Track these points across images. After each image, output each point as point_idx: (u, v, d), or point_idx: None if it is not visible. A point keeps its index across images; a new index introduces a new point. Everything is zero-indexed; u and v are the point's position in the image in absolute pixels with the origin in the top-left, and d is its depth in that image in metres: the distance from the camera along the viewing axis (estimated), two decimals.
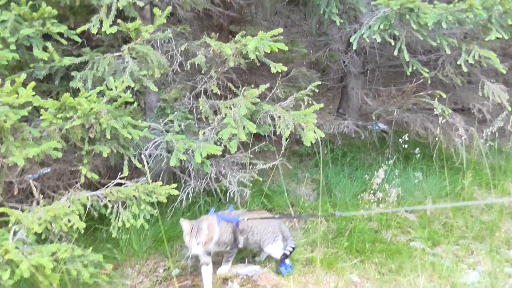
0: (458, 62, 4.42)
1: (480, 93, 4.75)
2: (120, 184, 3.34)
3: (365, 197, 3.95)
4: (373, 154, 5.53)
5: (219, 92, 4.05)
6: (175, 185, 3.20)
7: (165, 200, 3.20)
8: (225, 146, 3.74)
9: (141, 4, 3.41)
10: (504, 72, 4.45)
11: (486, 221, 4.48)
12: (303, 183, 5.08)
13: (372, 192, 3.94)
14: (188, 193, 3.83)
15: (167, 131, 3.71)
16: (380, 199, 3.94)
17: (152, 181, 3.26)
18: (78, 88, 3.40)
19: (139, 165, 3.43)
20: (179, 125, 3.75)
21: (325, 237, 4.13)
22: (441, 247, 4.17)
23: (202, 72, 3.90)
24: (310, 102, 4.13)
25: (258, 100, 3.73)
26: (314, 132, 3.69)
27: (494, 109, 5.10)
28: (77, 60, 3.49)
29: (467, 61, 4.40)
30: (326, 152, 5.33)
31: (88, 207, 3.13)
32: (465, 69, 4.39)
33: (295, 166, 5.37)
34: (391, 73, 6.03)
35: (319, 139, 5.50)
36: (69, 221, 2.86)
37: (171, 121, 3.77)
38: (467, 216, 4.53)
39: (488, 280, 3.60)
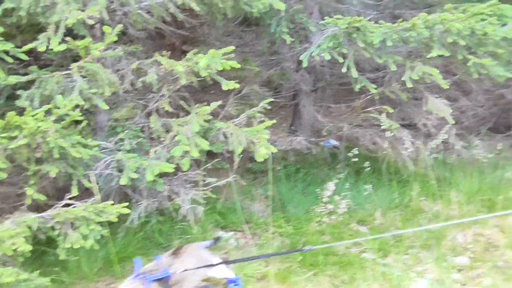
0: (403, 79, 4.61)
1: (424, 108, 4.95)
2: (69, 205, 3.27)
3: (317, 210, 4.01)
4: (325, 169, 5.62)
5: (171, 111, 4.05)
6: (126, 204, 3.17)
7: (116, 220, 3.15)
8: (177, 164, 3.73)
9: (90, 22, 3.40)
10: (446, 87, 4.67)
11: (433, 230, 4.63)
12: (257, 200, 5.11)
13: (323, 204, 4.00)
14: (140, 212, 3.78)
15: (118, 150, 3.67)
16: (331, 211, 4.00)
17: (102, 201, 3.21)
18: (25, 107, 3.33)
19: (88, 185, 3.37)
20: (130, 144, 3.72)
21: (279, 252, 4.16)
22: (391, 257, 4.27)
23: (154, 90, 3.89)
24: (262, 119, 4.19)
25: (211, 117, 3.76)
26: (266, 148, 3.73)
27: (439, 123, 5.32)
28: (24, 79, 3.43)
29: (411, 77, 4.59)
30: (279, 168, 5.39)
31: (35, 229, 3.03)
32: (409, 85, 4.58)
33: (249, 184, 5.40)
34: (341, 90, 6.19)
35: (272, 156, 5.63)
36: (13, 244, 2.77)
37: (122, 140, 3.74)
38: (415, 226, 4.67)
39: (436, 287, 3.71)
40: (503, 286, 3.86)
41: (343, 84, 5.96)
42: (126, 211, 3.16)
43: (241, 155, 5.48)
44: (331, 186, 3.82)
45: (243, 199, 5.08)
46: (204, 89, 5.07)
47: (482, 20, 4.58)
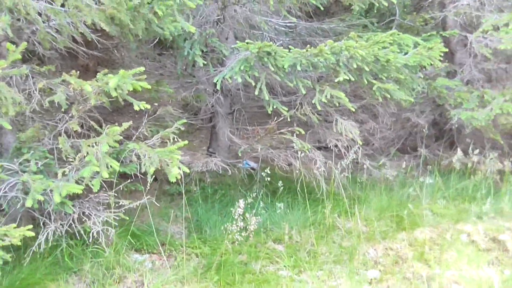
0: (313, 101, 4.82)
1: (334, 129, 5.19)
2: None
3: (228, 228, 4.05)
4: (243, 190, 5.70)
5: (81, 131, 3.97)
6: (30, 226, 3.05)
7: (19, 243, 3.01)
8: (89, 186, 3.64)
9: None
10: (353, 110, 4.94)
11: (346, 246, 4.80)
12: (174, 222, 5.07)
13: (234, 222, 4.05)
14: (48, 235, 3.63)
15: (24, 172, 3.53)
16: (242, 228, 4.05)
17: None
18: None
19: None
20: (37, 165, 3.59)
21: (195, 272, 4.13)
22: (306, 273, 4.37)
23: (63, 110, 3.80)
24: (176, 139, 4.20)
25: (121, 137, 3.71)
26: (179, 168, 3.74)
27: (349, 144, 5.59)
28: None
29: (321, 100, 4.81)
30: (197, 190, 5.40)
31: None
32: (319, 107, 4.80)
33: (166, 206, 5.35)
34: (256, 113, 6.36)
35: (189, 177, 5.63)
36: None
37: (28, 161, 3.59)
38: (329, 243, 4.83)
39: None
40: None
41: (259, 108, 6.14)
42: (30, 234, 3.04)
43: (158, 178, 5.52)
44: (241, 203, 3.86)
45: (159, 221, 5.01)
46: (117, 111, 5.02)
47: (384, 48, 4.93)
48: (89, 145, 3.66)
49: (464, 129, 6.44)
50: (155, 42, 5.89)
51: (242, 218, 4.01)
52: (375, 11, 6.78)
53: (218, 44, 4.80)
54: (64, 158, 3.72)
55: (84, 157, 3.60)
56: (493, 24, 5.70)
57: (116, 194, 3.98)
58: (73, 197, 3.86)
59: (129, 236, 4.27)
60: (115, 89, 3.61)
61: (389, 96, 5.15)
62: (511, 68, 6.39)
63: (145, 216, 4.77)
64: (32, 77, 3.85)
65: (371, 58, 4.69)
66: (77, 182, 3.60)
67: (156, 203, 4.58)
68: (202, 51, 4.81)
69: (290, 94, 5.70)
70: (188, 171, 3.80)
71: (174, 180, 3.74)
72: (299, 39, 6.15)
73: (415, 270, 4.51)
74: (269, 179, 4.67)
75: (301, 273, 4.41)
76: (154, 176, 5.50)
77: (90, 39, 4.12)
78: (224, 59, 5.17)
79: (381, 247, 4.91)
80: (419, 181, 5.67)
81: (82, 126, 4.21)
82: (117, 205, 4.04)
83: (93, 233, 3.76)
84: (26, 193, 3.48)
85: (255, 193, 5.01)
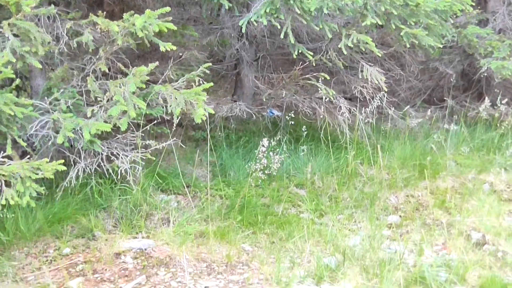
0: (339, 46, 4.76)
1: (360, 76, 5.14)
2: (3, 164, 3.23)
3: (252, 166, 4.13)
4: (267, 136, 5.74)
5: (108, 72, 4.03)
6: (62, 160, 3.16)
7: (51, 177, 3.15)
8: (116, 127, 3.74)
9: None
10: (380, 55, 4.87)
11: (368, 192, 4.86)
12: (199, 166, 5.18)
13: (258, 160, 4.12)
14: (78, 172, 3.77)
15: (54, 111, 3.63)
16: (265, 166, 4.12)
17: None
18: None
19: (23, 144, 3.33)
20: (66, 104, 3.69)
21: (219, 212, 4.26)
22: (328, 216, 4.47)
23: (90, 51, 3.86)
24: (202, 82, 4.23)
25: (148, 78, 3.77)
26: (204, 109, 3.79)
27: (375, 92, 5.55)
28: None
29: (347, 45, 4.75)
30: (221, 135, 5.47)
31: None
32: (345, 52, 4.74)
33: (191, 150, 5.45)
34: (282, 60, 6.32)
35: (214, 123, 5.70)
36: None
37: (57, 100, 3.69)
38: (351, 189, 4.89)
39: (367, 241, 3.92)
40: (430, 240, 4.13)
41: (284, 55, 6.10)
42: (62, 168, 3.16)
43: (183, 124, 5.60)
44: (265, 142, 3.92)
45: (184, 164, 5.13)
46: (144, 55, 5.05)
47: None
48: (116, 86, 3.73)
49: (493, 80, 6.31)
50: None
51: (265, 157, 4.06)
52: None
53: None
54: (93, 99, 3.80)
55: (112, 97, 3.68)
56: None
57: (143, 135, 4.07)
58: (101, 137, 3.98)
59: (156, 176, 4.40)
60: (141, 29, 3.63)
61: (417, 42, 5.05)
62: None
63: (171, 160, 4.88)
64: (61, 19, 3.90)
65: (400, 1, 4.58)
66: (105, 122, 3.69)
67: (182, 146, 4.66)
68: None
69: (316, 41, 5.63)
70: (212, 112, 3.86)
71: (199, 121, 3.80)
72: None
73: (435, 216, 4.57)
74: (292, 123, 4.70)
75: (322, 217, 4.52)
76: (180, 122, 5.65)
77: None
78: (250, 3, 5.10)
79: (403, 194, 4.97)
80: (443, 130, 5.61)
81: (109, 69, 4.28)
82: (143, 145, 4.14)
83: (121, 172, 3.88)
84: (57, 132, 3.60)
85: (280, 140, 5.05)
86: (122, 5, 5.49)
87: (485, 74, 6.14)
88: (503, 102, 5.66)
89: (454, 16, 5.68)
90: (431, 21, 5.04)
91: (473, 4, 5.20)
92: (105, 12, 5.28)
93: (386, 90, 5.11)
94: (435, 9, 4.95)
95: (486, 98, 5.75)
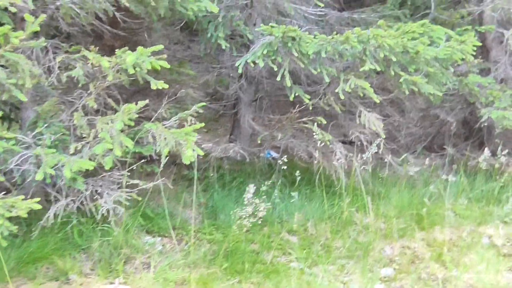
0: (336, 90, 4.69)
1: (358, 121, 5.05)
2: None
3: (238, 213, 3.98)
4: (261, 179, 5.61)
5: (98, 108, 3.95)
6: (38, 199, 3.03)
7: (25, 215, 3.00)
8: (101, 164, 3.62)
9: (13, 10, 3.28)
10: (378, 101, 4.79)
11: (362, 241, 4.68)
12: (189, 207, 5.03)
13: (243, 207, 3.97)
14: (58, 211, 3.63)
15: (37, 145, 3.52)
16: (250, 213, 3.97)
17: None
18: None
19: (1, 179, 3.21)
20: (51, 139, 3.58)
21: (205, 258, 4.09)
22: (319, 267, 4.28)
23: (80, 86, 3.79)
24: (193, 122, 4.14)
25: (137, 116, 3.67)
26: (194, 150, 3.68)
27: (374, 138, 5.43)
28: None
29: (345, 89, 4.67)
30: (212, 175, 5.34)
31: None
32: (342, 97, 4.66)
33: (183, 190, 5.32)
34: (281, 102, 6.25)
35: (208, 163, 5.58)
36: None
37: (42, 134, 3.59)
38: (345, 237, 4.71)
39: None
40: None
41: (283, 96, 6.01)
42: (37, 206, 3.02)
43: (177, 162, 5.48)
44: (251, 188, 3.78)
45: (174, 205, 4.98)
46: (139, 92, 4.98)
47: (414, 39, 4.75)
48: (104, 122, 3.64)
49: (494, 129, 6.20)
50: (182, 25, 5.85)
51: (250, 203, 3.91)
52: (409, 3, 6.59)
53: (243, 27, 4.71)
54: (79, 134, 3.70)
55: (98, 134, 3.57)
56: None
57: (129, 174, 3.95)
58: (87, 174, 3.86)
59: (140, 217, 4.25)
60: (134, 66, 3.57)
61: (416, 89, 4.97)
62: None
63: (162, 199, 4.74)
64: (54, 52, 3.84)
65: (400, 48, 4.53)
66: (90, 159, 3.57)
67: (170, 186, 4.53)
68: (227, 35, 4.73)
69: (315, 84, 5.57)
70: (202, 153, 3.74)
71: (188, 162, 3.69)
72: (329, 28, 6.00)
73: (431, 271, 4.37)
74: (285, 167, 4.58)
75: (313, 266, 4.32)
76: (173, 160, 5.54)
77: (112, 17, 4.09)
78: (249, 44, 5.07)
79: (398, 245, 4.78)
80: (442, 180, 5.46)
81: (102, 105, 4.20)
82: (131, 185, 4.01)
83: (102, 212, 3.73)
84: (39, 167, 3.48)
85: (272, 182, 4.91)
86: (122, 40, 5.48)
87: (486, 124, 6.03)
88: (504, 152, 5.53)
89: (455, 65, 5.62)
90: (431, 69, 4.97)
91: (474, 53, 5.14)
92: (105, 47, 5.31)
93: (384, 136, 5.00)
94: (435, 57, 4.89)
95: (486, 148, 5.62)
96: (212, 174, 5.32)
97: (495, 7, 6.18)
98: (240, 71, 4.56)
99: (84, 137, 3.77)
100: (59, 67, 3.81)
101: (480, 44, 5.23)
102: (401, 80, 4.87)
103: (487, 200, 5.59)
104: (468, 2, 6.83)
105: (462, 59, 5.04)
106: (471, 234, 4.97)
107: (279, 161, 4.65)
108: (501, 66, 6.37)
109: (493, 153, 5.72)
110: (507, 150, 5.60)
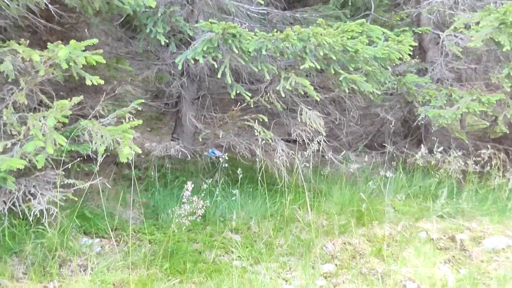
0: (277, 88, 4.70)
1: (299, 119, 5.08)
2: None
3: (176, 211, 3.90)
4: (204, 178, 5.55)
5: (29, 104, 3.77)
6: None
7: None
8: (33, 163, 3.46)
9: None
10: (318, 99, 4.84)
11: (304, 239, 4.71)
12: (131, 207, 4.91)
13: (182, 205, 3.90)
14: None
15: None
16: (189, 211, 3.90)
17: None
18: None
19: None
20: None
21: (145, 258, 3.99)
22: (261, 265, 4.27)
23: (10, 81, 3.60)
24: (132, 119, 4.03)
25: (70, 112, 3.53)
26: (131, 148, 3.58)
27: (315, 136, 5.49)
28: None
29: (286, 87, 4.69)
30: (153, 174, 5.23)
31: None
32: (283, 95, 4.68)
33: (124, 190, 5.17)
34: (224, 100, 6.22)
35: (151, 162, 5.47)
36: None
37: None
38: (287, 235, 4.73)
39: None
40: None
41: (226, 94, 5.99)
42: None
43: (116, 160, 5.33)
44: (189, 186, 3.71)
45: (114, 205, 4.84)
46: (76, 88, 4.80)
47: (353, 38, 4.83)
48: (36, 119, 3.47)
49: (431, 127, 6.42)
50: (122, 21, 5.71)
51: (189, 202, 3.84)
52: (350, 4, 6.72)
53: (183, 24, 4.63)
54: (9, 132, 3.52)
55: (30, 131, 3.41)
56: (465, 23, 5.67)
57: (64, 173, 3.79)
58: (19, 174, 3.68)
59: (77, 218, 4.09)
60: (67, 61, 3.43)
61: (356, 88, 5.07)
62: (480, 68, 6.37)
63: (101, 200, 4.60)
64: None
65: (339, 47, 4.59)
66: (21, 158, 3.40)
67: (109, 185, 4.40)
68: (167, 31, 4.64)
69: (257, 82, 5.57)
70: (139, 151, 3.64)
71: (125, 160, 3.59)
72: (271, 27, 6.02)
73: (371, 265, 4.46)
74: (228, 165, 4.54)
75: (256, 264, 4.31)
76: (114, 160, 5.38)
77: (47, 10, 3.91)
78: (190, 40, 5.00)
79: (340, 241, 4.84)
80: (382, 177, 5.59)
81: (35, 102, 4.02)
82: (67, 184, 3.85)
83: (35, 213, 3.57)
84: None
85: (215, 181, 4.87)
86: (58, 35, 5.27)
87: (423, 122, 6.23)
88: (440, 150, 5.72)
89: (394, 65, 5.78)
90: (370, 68, 5.08)
91: (411, 53, 5.29)
92: (40, 42, 5.08)
93: (325, 134, 5.06)
94: (374, 56, 5.00)
95: (423, 145, 5.79)
96: (153, 174, 5.20)
97: (432, 10, 6.40)
98: (180, 67, 4.48)
99: (15, 135, 3.58)
100: None
101: (417, 44, 5.40)
102: (341, 78, 4.94)
103: (424, 196, 5.77)
104: (406, 4, 7.06)
105: (400, 59, 5.17)
106: (409, 229, 5.11)
107: (221, 159, 4.60)
108: (437, 66, 6.60)
109: (430, 151, 5.91)
110: (442, 147, 5.79)
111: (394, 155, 6.88)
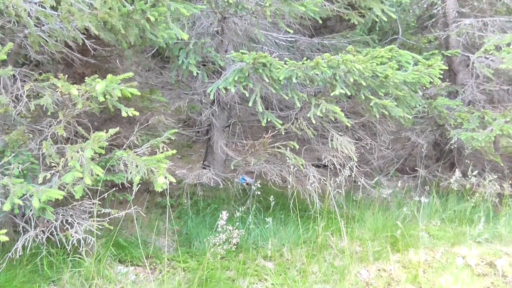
0: (308, 115, 4.72)
1: (330, 145, 5.08)
2: None
3: (211, 240, 3.92)
4: (236, 205, 5.58)
5: (68, 136, 3.89)
6: (4, 230, 2.93)
7: None
8: (74, 194, 3.55)
9: None
10: (349, 125, 4.84)
11: (338, 265, 4.66)
12: (164, 234, 4.95)
13: (217, 234, 3.92)
14: (26, 242, 3.52)
15: (4, 175, 3.44)
16: (224, 240, 3.91)
17: None
18: None
19: None
20: (19, 169, 3.50)
21: (179, 286, 4.01)
22: None
23: (49, 114, 3.73)
24: (166, 149, 4.11)
25: (106, 144, 3.62)
26: (165, 177, 3.64)
27: (347, 161, 5.47)
28: None
29: (316, 114, 4.72)
30: (186, 202, 5.28)
31: None
32: (314, 121, 4.70)
33: (157, 218, 5.24)
34: (254, 127, 6.27)
35: (183, 190, 5.53)
36: None
37: (9, 163, 3.51)
38: (321, 262, 4.69)
39: None
40: None
41: (256, 122, 6.06)
42: (5, 238, 2.92)
43: (150, 190, 5.42)
44: (224, 215, 3.73)
45: (148, 233, 4.90)
46: (110, 119, 4.95)
47: (382, 63, 4.84)
48: (74, 151, 3.57)
49: (464, 150, 6.32)
50: (154, 52, 5.88)
51: (223, 231, 3.86)
52: (377, 29, 6.75)
53: (214, 54, 4.74)
54: (48, 163, 3.63)
55: (68, 162, 3.51)
56: (495, 44, 5.63)
57: (100, 203, 3.87)
58: (56, 204, 3.77)
59: (112, 247, 4.15)
60: (104, 94, 3.54)
61: (387, 112, 5.05)
62: None
63: (135, 228, 4.67)
64: (22, 81, 3.79)
65: (369, 73, 4.61)
66: (60, 188, 3.50)
67: (143, 214, 4.46)
68: (199, 62, 4.75)
69: (287, 109, 5.62)
70: (174, 180, 3.69)
71: (160, 189, 3.64)
72: (299, 54, 6.10)
73: None
74: (259, 193, 4.55)
75: None
76: (147, 188, 5.47)
77: (82, 45, 4.06)
78: (221, 70, 5.10)
79: (374, 268, 4.77)
80: (416, 202, 5.51)
81: (72, 133, 4.15)
82: (100, 213, 3.92)
83: (73, 242, 3.64)
84: (7, 197, 3.39)
85: (247, 208, 4.88)
86: (93, 67, 5.45)
87: (456, 145, 6.14)
88: (474, 173, 5.62)
89: (424, 88, 5.75)
90: (400, 92, 5.07)
91: (441, 77, 5.26)
92: (76, 75, 5.26)
93: (356, 159, 5.04)
94: (404, 81, 4.99)
95: (457, 169, 5.71)
96: (185, 201, 5.25)
97: (460, 32, 6.37)
98: (212, 97, 4.56)
99: (54, 166, 3.69)
100: (27, 95, 3.75)
101: (447, 67, 5.37)
102: (371, 104, 4.94)
103: (460, 221, 5.65)
104: (434, 27, 7.05)
105: (430, 82, 5.15)
106: (445, 255, 5.01)
107: (253, 187, 4.62)
108: (468, 88, 6.54)
109: (464, 174, 5.81)
110: (477, 171, 5.69)
111: (427, 179, 6.79)
